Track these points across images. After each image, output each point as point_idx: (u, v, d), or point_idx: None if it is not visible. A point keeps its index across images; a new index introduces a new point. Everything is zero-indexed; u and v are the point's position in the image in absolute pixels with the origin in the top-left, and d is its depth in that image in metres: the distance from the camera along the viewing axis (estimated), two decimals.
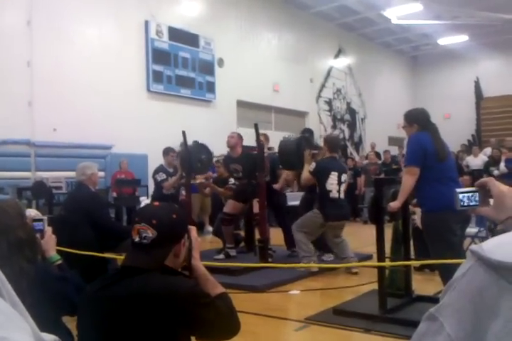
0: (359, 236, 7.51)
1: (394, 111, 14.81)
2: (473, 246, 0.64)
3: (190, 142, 6.54)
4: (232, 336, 1.54)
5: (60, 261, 2.13)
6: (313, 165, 5.48)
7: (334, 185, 5.45)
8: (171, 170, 6.76)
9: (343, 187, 5.54)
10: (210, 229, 8.16)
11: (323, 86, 15.98)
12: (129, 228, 1.58)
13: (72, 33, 9.15)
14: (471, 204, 1.13)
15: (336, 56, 16.53)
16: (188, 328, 1.48)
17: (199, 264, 1.62)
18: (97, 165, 4.66)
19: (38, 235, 2.07)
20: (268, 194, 5.71)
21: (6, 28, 8.28)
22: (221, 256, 6.02)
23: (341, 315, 3.83)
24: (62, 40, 8.93)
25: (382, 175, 10.54)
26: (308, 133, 6.45)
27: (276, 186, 6.09)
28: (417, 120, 3.84)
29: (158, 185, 6.63)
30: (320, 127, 15.74)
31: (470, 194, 1.13)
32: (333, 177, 5.46)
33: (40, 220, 2.19)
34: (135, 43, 10.29)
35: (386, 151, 12.52)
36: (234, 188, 6.45)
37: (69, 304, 1.92)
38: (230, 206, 6.11)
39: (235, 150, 6.03)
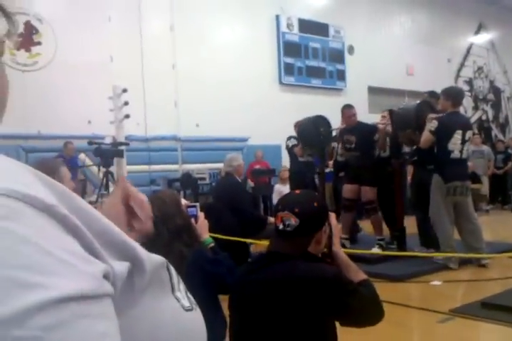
0: (507, 225, 7.02)
1: None
2: None
3: None
4: (376, 323, 1.54)
5: (212, 244, 2.22)
6: (434, 123, 4.85)
7: (457, 145, 4.85)
8: None
9: (466, 146, 4.92)
10: None
11: (462, 65, 14.94)
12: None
13: (209, 33, 9.70)
14: None
15: (477, 32, 15.32)
16: (333, 314, 1.49)
17: (340, 251, 1.61)
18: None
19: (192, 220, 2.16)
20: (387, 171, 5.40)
21: (152, 34, 9.06)
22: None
23: (490, 309, 3.62)
24: (201, 41, 9.50)
25: None
26: (432, 96, 5.73)
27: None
28: None
29: (291, 151, 6.64)
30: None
31: None
32: (457, 136, 4.86)
33: (194, 206, 2.26)
34: (267, 38, 10.60)
35: None
36: (344, 171, 6.05)
37: (222, 284, 2.03)
38: (346, 190, 5.71)
39: (351, 121, 5.74)
